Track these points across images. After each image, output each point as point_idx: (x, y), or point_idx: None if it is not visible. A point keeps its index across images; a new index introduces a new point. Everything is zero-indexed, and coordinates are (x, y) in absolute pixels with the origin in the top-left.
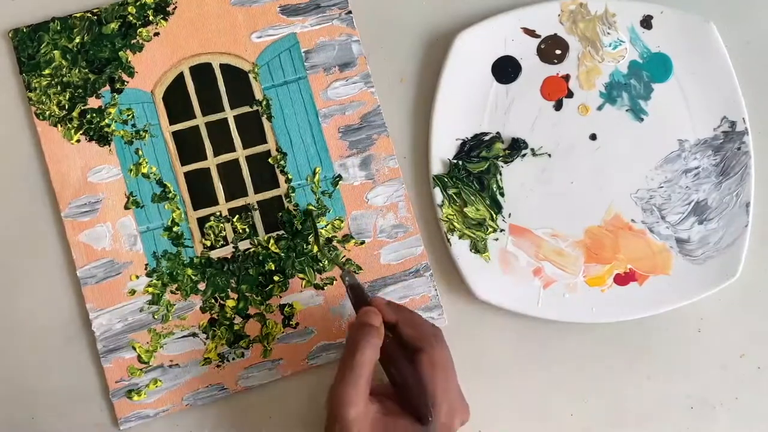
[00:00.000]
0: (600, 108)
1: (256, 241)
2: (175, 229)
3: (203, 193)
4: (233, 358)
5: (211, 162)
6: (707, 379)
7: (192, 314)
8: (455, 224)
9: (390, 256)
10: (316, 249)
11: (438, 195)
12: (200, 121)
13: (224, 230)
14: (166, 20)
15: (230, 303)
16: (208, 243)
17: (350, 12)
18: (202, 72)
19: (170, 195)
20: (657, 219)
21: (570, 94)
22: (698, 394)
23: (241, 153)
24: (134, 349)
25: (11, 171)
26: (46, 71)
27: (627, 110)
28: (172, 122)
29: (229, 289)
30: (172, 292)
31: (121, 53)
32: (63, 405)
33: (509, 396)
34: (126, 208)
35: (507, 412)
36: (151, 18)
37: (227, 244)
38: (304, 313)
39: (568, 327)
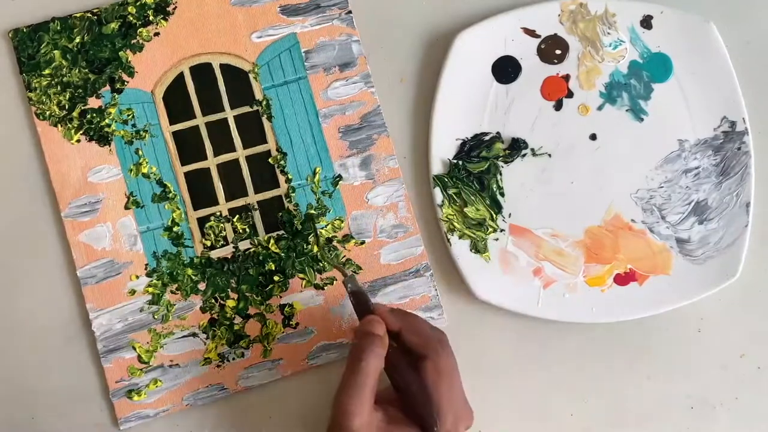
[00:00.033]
0: (600, 108)
1: (256, 241)
2: (175, 229)
3: (203, 193)
4: (233, 358)
5: (211, 162)
6: (707, 379)
7: (192, 314)
8: (455, 224)
9: (390, 256)
10: (316, 249)
11: (438, 195)
12: (200, 121)
13: (224, 230)
14: (166, 20)
15: (230, 303)
16: (208, 243)
17: (350, 12)
18: (202, 72)
19: (170, 195)
20: (657, 219)
21: (570, 94)
22: (698, 394)
23: (241, 153)
24: (134, 349)
25: (11, 171)
26: (46, 71)
27: (627, 110)
28: (172, 122)
29: (229, 289)
30: (172, 292)
31: (121, 53)
32: (63, 405)
33: (509, 396)
34: (126, 208)
35: (507, 412)
36: (151, 18)
37: (227, 244)
38: (304, 313)
39: (568, 327)
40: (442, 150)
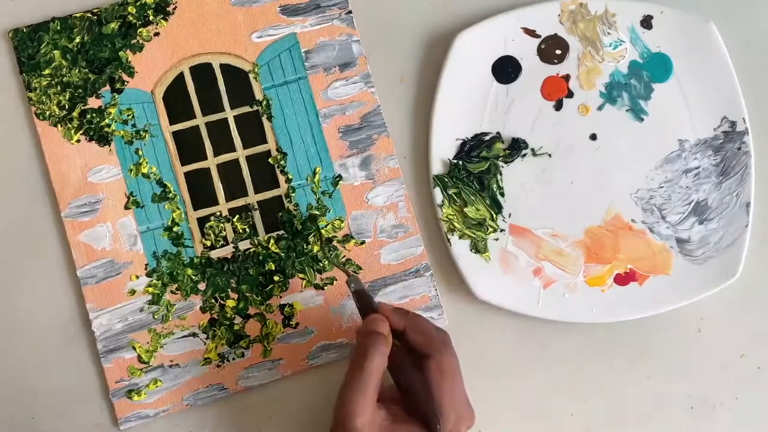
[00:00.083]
0: (600, 108)
1: (256, 241)
2: (175, 229)
3: (203, 193)
4: (233, 358)
5: (211, 162)
6: (707, 379)
7: (192, 314)
8: (455, 224)
9: (390, 256)
10: (317, 249)
11: (438, 195)
12: (200, 121)
13: (224, 230)
14: (166, 20)
15: (230, 303)
16: (208, 243)
17: (350, 12)
18: (202, 72)
19: (170, 195)
20: (657, 219)
21: (570, 94)
22: (698, 394)
23: (241, 153)
24: (134, 349)
25: (11, 171)
26: (46, 71)
27: (627, 110)
28: (172, 122)
29: (229, 289)
30: (172, 292)
31: (121, 53)
32: (63, 405)
33: (509, 396)
34: (126, 208)
35: (507, 412)
36: (151, 18)
37: (227, 244)
38: (304, 313)
39: (568, 327)
40: (442, 150)
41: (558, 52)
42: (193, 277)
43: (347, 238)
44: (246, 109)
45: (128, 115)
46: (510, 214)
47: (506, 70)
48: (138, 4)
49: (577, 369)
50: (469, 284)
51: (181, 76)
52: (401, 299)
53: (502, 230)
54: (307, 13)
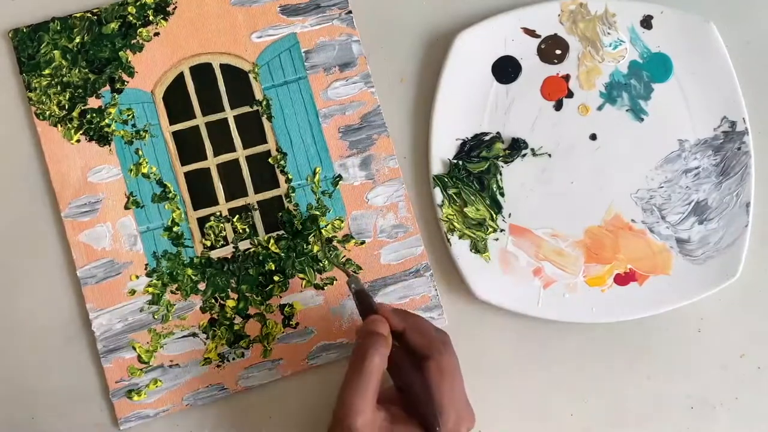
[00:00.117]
0: (600, 108)
1: (256, 241)
2: (175, 229)
3: (203, 193)
4: (233, 358)
5: (211, 162)
6: (707, 379)
7: (192, 314)
8: (455, 224)
9: (390, 256)
10: (317, 249)
11: (438, 195)
12: (200, 121)
13: (224, 230)
14: (166, 20)
15: (230, 303)
16: (208, 243)
17: (350, 12)
18: (202, 72)
19: (170, 195)
20: (657, 219)
21: (570, 94)
22: (698, 394)
23: (241, 153)
24: (134, 349)
25: (11, 171)
26: (46, 71)
27: (627, 110)
28: (172, 122)
29: (229, 289)
30: (172, 292)
31: (121, 53)
32: (63, 405)
33: (509, 396)
34: (126, 208)
35: (507, 412)
36: (151, 18)
37: (227, 244)
38: (304, 313)
39: (568, 327)
40: (442, 150)
41: (558, 52)
42: (193, 277)
43: (347, 238)
44: (246, 109)
45: (128, 115)
46: (510, 214)
47: (506, 70)
48: (138, 4)
49: (577, 369)
50: (469, 284)
51: (181, 76)
52: (401, 299)
53: (502, 230)
54: (307, 13)
